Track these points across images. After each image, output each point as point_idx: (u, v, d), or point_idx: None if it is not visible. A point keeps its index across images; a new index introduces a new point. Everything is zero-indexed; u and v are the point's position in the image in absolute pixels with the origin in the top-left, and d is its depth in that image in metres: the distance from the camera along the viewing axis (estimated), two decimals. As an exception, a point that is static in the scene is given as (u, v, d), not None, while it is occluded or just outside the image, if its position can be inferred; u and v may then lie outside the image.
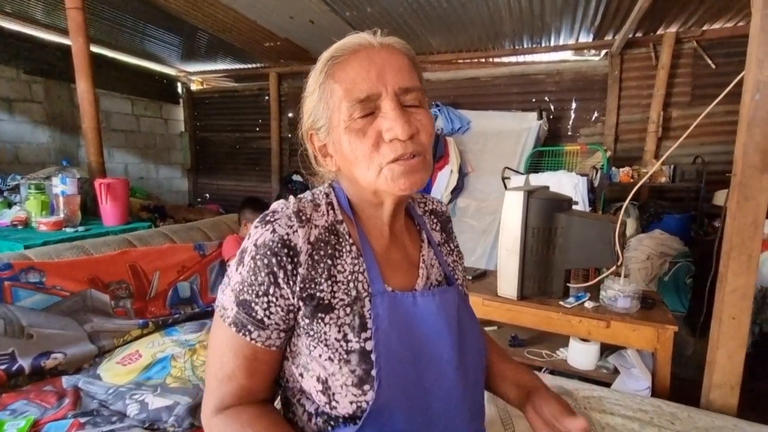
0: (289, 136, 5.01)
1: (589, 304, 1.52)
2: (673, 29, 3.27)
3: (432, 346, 0.58)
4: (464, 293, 0.73)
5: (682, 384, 1.56)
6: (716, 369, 1.27)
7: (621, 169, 3.12)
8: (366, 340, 0.56)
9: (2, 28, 3.49)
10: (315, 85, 0.59)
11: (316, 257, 0.57)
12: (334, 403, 0.55)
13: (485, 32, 3.46)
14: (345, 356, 0.55)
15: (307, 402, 0.59)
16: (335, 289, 0.57)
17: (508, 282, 1.58)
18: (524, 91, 3.94)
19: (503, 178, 3.10)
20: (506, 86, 4.00)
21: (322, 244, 0.58)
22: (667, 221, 3.06)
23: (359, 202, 0.63)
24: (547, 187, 1.68)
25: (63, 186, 2.18)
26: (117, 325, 1.58)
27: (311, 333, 0.56)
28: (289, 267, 0.55)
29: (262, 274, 0.54)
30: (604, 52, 3.63)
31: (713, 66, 3.27)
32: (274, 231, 0.55)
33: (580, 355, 1.57)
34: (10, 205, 2.38)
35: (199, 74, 5.26)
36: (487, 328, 1.82)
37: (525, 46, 3.75)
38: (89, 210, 2.41)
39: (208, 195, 5.61)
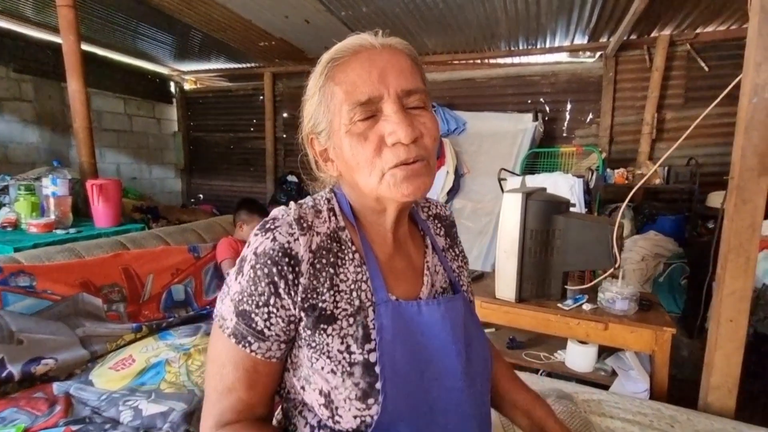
0: (284, 136, 4.98)
1: (587, 307, 1.52)
2: (667, 32, 3.30)
3: (438, 356, 0.57)
4: (469, 300, 0.71)
5: (678, 385, 1.57)
6: (714, 371, 1.28)
7: (616, 171, 3.14)
8: (370, 351, 0.54)
9: (-9, 26, 3.43)
10: (315, 88, 0.57)
11: (318, 266, 0.55)
12: (337, 418, 0.53)
13: (481, 33, 3.47)
14: (348, 369, 0.53)
15: (309, 414, 0.58)
16: (338, 298, 0.55)
17: (506, 284, 1.58)
18: (520, 92, 3.95)
19: (499, 180, 3.10)
20: (502, 87, 4.01)
21: (324, 252, 0.56)
22: (662, 222, 3.08)
23: (361, 209, 0.61)
24: (545, 189, 1.68)
25: (54, 187, 2.14)
26: (110, 330, 1.55)
27: (313, 344, 0.54)
28: (290, 276, 0.53)
29: (263, 284, 0.53)
30: (598, 54, 3.66)
31: (706, 68, 3.30)
32: (274, 239, 0.54)
33: (578, 357, 1.56)
34: (-1, 206, 2.33)
35: (192, 73, 5.21)
36: (485, 330, 1.81)
37: (520, 47, 3.76)
38: (81, 211, 2.37)
39: (201, 195, 5.56)
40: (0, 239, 1.86)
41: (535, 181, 2.81)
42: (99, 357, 1.48)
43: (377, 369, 0.53)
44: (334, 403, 0.53)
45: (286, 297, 0.53)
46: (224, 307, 0.56)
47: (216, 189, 5.47)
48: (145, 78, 4.94)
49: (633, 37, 3.40)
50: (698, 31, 3.25)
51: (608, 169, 3.16)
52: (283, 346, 0.56)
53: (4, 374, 1.25)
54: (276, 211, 0.59)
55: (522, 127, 3.61)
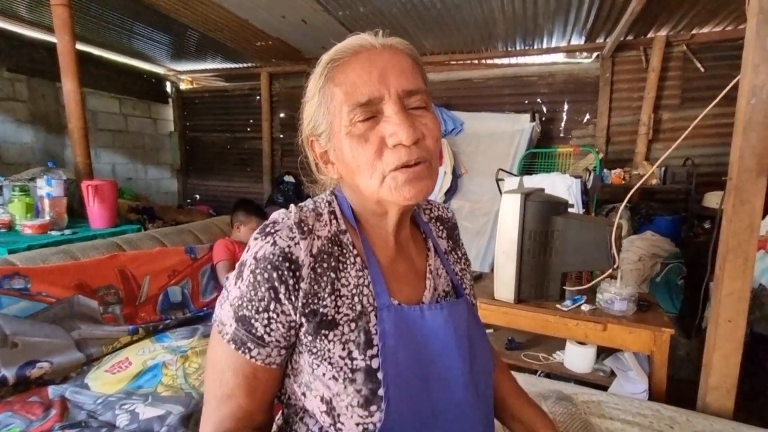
0: (281, 136, 4.96)
1: (585, 307, 1.52)
2: (663, 33, 3.32)
3: (441, 362, 0.56)
4: (472, 303, 0.71)
5: (677, 384, 1.57)
6: (712, 372, 1.28)
7: (612, 171, 3.15)
8: (372, 357, 0.53)
9: (-16, 25, 3.40)
10: (315, 89, 0.56)
11: (318, 270, 0.54)
12: (339, 425, 0.52)
13: (478, 34, 3.47)
14: (350, 375, 0.52)
15: (311, 421, 0.57)
16: (339, 303, 0.55)
17: (505, 285, 1.58)
18: (517, 92, 3.96)
19: (497, 180, 3.10)
20: (499, 88, 4.02)
21: (325, 256, 0.55)
22: (658, 223, 3.10)
23: (363, 211, 0.61)
24: (543, 190, 1.68)
25: (48, 188, 2.12)
26: (106, 332, 1.53)
27: (314, 350, 0.53)
28: (291, 282, 0.52)
29: (263, 289, 0.52)
30: (595, 54, 3.66)
31: (702, 69, 3.32)
32: (274, 243, 0.53)
33: (577, 358, 1.56)
34: (-8, 207, 2.30)
35: (188, 73, 5.18)
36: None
37: (518, 48, 3.77)
38: (76, 212, 2.35)
39: (198, 196, 5.53)
40: (-6, 241, 1.83)
41: (532, 181, 2.81)
42: (95, 360, 1.46)
43: (380, 375, 0.52)
44: (335, 410, 0.52)
45: (286, 302, 0.52)
46: (223, 313, 0.55)
47: (212, 189, 5.45)
48: (141, 78, 4.90)
49: (630, 37, 3.41)
50: (694, 32, 3.27)
51: (605, 170, 3.17)
52: (283, 352, 0.55)
53: (-2, 378, 1.23)
54: (276, 215, 0.58)
55: (519, 127, 3.61)
